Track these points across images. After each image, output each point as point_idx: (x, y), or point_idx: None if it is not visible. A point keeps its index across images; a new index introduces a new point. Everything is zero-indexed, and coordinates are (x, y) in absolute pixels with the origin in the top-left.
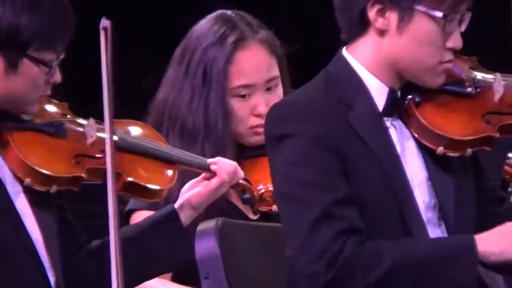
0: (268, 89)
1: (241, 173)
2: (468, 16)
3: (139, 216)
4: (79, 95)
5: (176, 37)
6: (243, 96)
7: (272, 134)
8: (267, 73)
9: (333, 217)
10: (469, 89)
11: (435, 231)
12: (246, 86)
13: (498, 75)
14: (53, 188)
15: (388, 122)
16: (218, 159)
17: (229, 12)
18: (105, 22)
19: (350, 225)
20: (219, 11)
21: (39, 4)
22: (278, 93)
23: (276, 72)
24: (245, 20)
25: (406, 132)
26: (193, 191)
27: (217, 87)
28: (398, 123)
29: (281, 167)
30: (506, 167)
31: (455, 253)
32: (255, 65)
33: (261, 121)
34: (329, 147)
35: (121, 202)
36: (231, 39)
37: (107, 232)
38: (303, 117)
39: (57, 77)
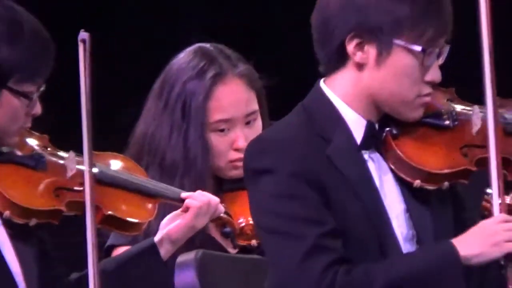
0: (247, 123)
1: (220, 208)
2: (446, 49)
3: (120, 252)
4: (61, 127)
5: (156, 69)
6: (222, 131)
7: (250, 169)
8: (246, 108)
9: (323, 249)
10: (447, 122)
11: None
12: (225, 121)
13: (476, 107)
14: (33, 221)
15: (366, 155)
16: (195, 192)
17: (207, 45)
18: (83, 34)
19: (338, 256)
20: (198, 44)
21: (20, 37)
22: (257, 127)
23: (255, 106)
24: (223, 54)
25: (383, 164)
26: (171, 225)
27: (196, 122)
28: (376, 155)
29: (262, 201)
30: (485, 203)
31: (442, 264)
32: (234, 100)
33: (240, 155)
34: (308, 181)
35: (99, 235)
36: (209, 74)
37: (86, 265)
38: (282, 152)
39: (38, 109)
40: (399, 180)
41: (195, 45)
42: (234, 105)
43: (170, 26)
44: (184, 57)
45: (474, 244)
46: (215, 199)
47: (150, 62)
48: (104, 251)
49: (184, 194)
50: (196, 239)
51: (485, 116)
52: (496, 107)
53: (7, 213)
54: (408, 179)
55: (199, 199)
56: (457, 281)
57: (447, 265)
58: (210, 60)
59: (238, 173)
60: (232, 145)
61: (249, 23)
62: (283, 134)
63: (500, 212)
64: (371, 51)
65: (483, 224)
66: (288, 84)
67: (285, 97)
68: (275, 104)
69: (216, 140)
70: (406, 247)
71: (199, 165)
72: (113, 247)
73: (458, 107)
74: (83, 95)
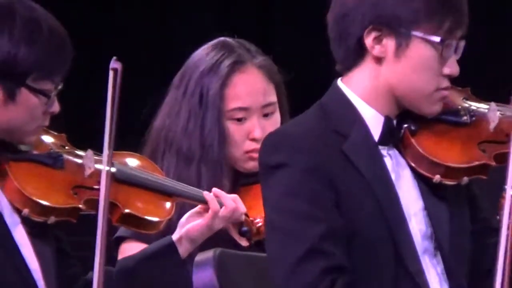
0: (265, 115)
1: (242, 209)
2: (462, 44)
3: (130, 246)
4: (79, 126)
5: (175, 67)
6: (239, 120)
7: (265, 164)
8: (264, 98)
9: (321, 253)
10: (465, 118)
11: (432, 261)
12: (241, 109)
13: (493, 104)
14: (51, 219)
15: (383, 151)
16: (219, 192)
17: (229, 39)
18: (115, 64)
19: (337, 262)
20: (219, 38)
21: (38, 35)
22: (275, 120)
23: (273, 98)
24: (244, 46)
25: (402, 161)
26: (192, 224)
27: (213, 109)
28: (394, 152)
29: (272, 197)
30: (502, 200)
31: None
32: (251, 88)
33: (257, 145)
34: (321, 178)
35: (112, 232)
36: (228, 62)
37: (105, 263)
38: (297, 147)
39: (56, 107)
40: (418, 177)
41: (217, 39)
42: (251, 94)
43: (188, 22)
44: (204, 49)
45: None
46: (242, 208)
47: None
48: (113, 242)
49: (206, 195)
50: (213, 236)
51: (502, 112)
52: None
53: (25, 211)
54: (428, 174)
55: (229, 204)
56: None
57: None
58: (229, 51)
59: (254, 164)
60: (248, 135)
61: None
62: (298, 129)
63: None
64: (389, 43)
65: None
66: (308, 84)
67: (306, 96)
68: (296, 103)
69: (233, 129)
70: (424, 244)
71: (215, 152)
72: (122, 239)
73: (474, 105)
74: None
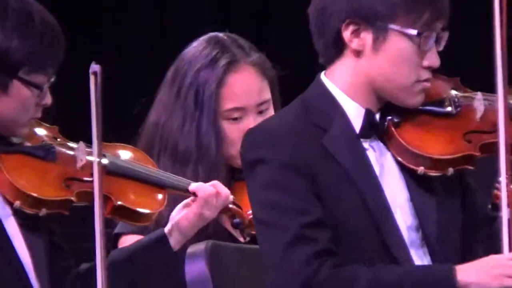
0: (260, 112)
1: (229, 198)
2: (445, 36)
3: (127, 240)
4: (71, 117)
5: (168, 59)
6: (234, 119)
7: (246, 160)
8: (259, 96)
9: (306, 239)
10: (449, 109)
11: (417, 253)
12: (238, 109)
13: (479, 94)
14: (43, 211)
15: (366, 144)
16: (200, 184)
17: (220, 34)
18: (95, 67)
19: (323, 247)
20: (211, 34)
21: (30, 27)
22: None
23: (267, 95)
24: (236, 43)
25: (386, 153)
26: (180, 214)
27: (209, 110)
28: (378, 144)
29: (255, 192)
30: (496, 191)
31: (435, 282)
32: (247, 88)
33: None
34: (301, 171)
35: (108, 225)
36: (222, 61)
37: (95, 255)
38: (275, 142)
39: (48, 99)
40: (403, 169)
41: (208, 34)
42: (246, 93)
43: (181, 16)
44: (196, 46)
45: (475, 272)
46: (224, 190)
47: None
48: (111, 238)
49: (192, 185)
50: (209, 230)
51: (489, 102)
52: (506, 92)
53: (17, 203)
54: (412, 166)
55: (207, 189)
56: None
57: (440, 286)
58: (223, 49)
59: None
60: (244, 133)
61: (259, 13)
62: (277, 125)
63: (509, 198)
64: (367, 37)
65: (493, 256)
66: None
67: (298, 90)
68: (287, 97)
69: (229, 128)
70: (411, 237)
71: (212, 153)
72: (120, 235)
73: (461, 95)
74: (94, 113)
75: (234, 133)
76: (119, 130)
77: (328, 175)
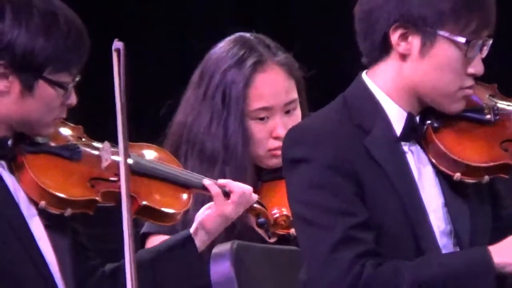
0: (287, 112)
1: (253, 197)
2: (489, 43)
3: (155, 240)
4: (96, 118)
5: (195, 60)
6: (261, 119)
7: (288, 158)
8: (286, 96)
9: (352, 240)
10: (488, 116)
11: None
12: (265, 109)
13: None
14: (68, 211)
15: (405, 147)
16: (224, 181)
17: (247, 34)
18: (117, 44)
19: (368, 248)
20: (238, 34)
21: (55, 27)
22: (297, 116)
23: (294, 95)
24: (263, 43)
25: (423, 157)
26: (205, 214)
27: (236, 111)
28: (416, 148)
29: (298, 191)
30: None
31: (474, 267)
32: (274, 88)
33: (280, 143)
34: (344, 171)
35: (135, 225)
36: (249, 62)
37: (121, 256)
38: (318, 141)
39: (73, 99)
40: (439, 174)
41: (235, 34)
42: (273, 93)
43: (206, 16)
44: (223, 46)
45: (510, 252)
46: (247, 189)
47: (187, 53)
48: (138, 238)
49: (204, 181)
50: (236, 229)
51: None
52: None
53: (42, 203)
54: (448, 172)
55: (234, 189)
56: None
57: (479, 270)
58: (250, 49)
59: (277, 162)
60: (271, 133)
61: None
62: (320, 124)
63: None
64: (415, 42)
65: None
66: (327, 76)
67: (325, 89)
68: (315, 96)
69: (256, 128)
70: (443, 241)
71: (239, 153)
72: (147, 234)
73: (500, 103)
74: (118, 101)
75: (261, 133)
76: (144, 130)
77: (369, 176)
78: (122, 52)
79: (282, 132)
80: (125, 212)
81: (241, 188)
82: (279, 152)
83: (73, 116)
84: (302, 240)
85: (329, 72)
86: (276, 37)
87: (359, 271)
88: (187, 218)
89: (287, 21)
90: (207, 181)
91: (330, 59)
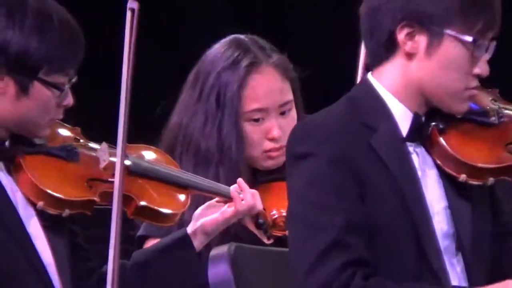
0: (282, 113)
1: (259, 206)
2: (493, 45)
3: (152, 243)
4: (93, 119)
5: (190, 62)
6: (256, 120)
7: (292, 153)
8: (281, 97)
9: (343, 246)
10: (493, 119)
11: (451, 260)
12: (259, 110)
13: None
14: (66, 212)
15: (411, 148)
16: (243, 185)
17: (242, 36)
18: (133, 3)
19: (358, 256)
20: (232, 36)
21: (48, 27)
22: (292, 117)
23: (289, 96)
24: (258, 44)
25: (428, 159)
26: (208, 218)
27: (231, 112)
28: (421, 149)
29: (297, 187)
30: None
31: None
32: (268, 89)
33: (275, 145)
34: (347, 169)
35: (132, 227)
36: (244, 63)
37: (120, 257)
38: (324, 137)
39: (69, 100)
40: (443, 176)
41: (230, 36)
42: (268, 94)
43: (201, 18)
44: (218, 48)
45: None
46: (259, 205)
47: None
48: (135, 241)
49: (233, 192)
50: (232, 230)
51: None
52: None
53: (40, 203)
54: (453, 173)
55: (248, 201)
56: None
57: None
58: (245, 50)
59: (273, 163)
60: (266, 135)
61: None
62: (326, 120)
63: None
64: (421, 40)
65: (510, 282)
66: (322, 77)
67: (320, 90)
68: (310, 97)
69: (251, 129)
70: (445, 244)
71: (233, 154)
72: (144, 237)
73: (503, 106)
74: (126, 54)
75: (255, 134)
76: (140, 132)
77: (373, 176)
78: (136, 12)
79: (277, 133)
80: (115, 207)
81: (252, 201)
82: (274, 154)
83: (72, 117)
84: (292, 237)
85: (324, 73)
86: (270, 38)
87: (347, 280)
88: (182, 219)
89: (281, 22)
90: (235, 193)
91: (324, 60)
